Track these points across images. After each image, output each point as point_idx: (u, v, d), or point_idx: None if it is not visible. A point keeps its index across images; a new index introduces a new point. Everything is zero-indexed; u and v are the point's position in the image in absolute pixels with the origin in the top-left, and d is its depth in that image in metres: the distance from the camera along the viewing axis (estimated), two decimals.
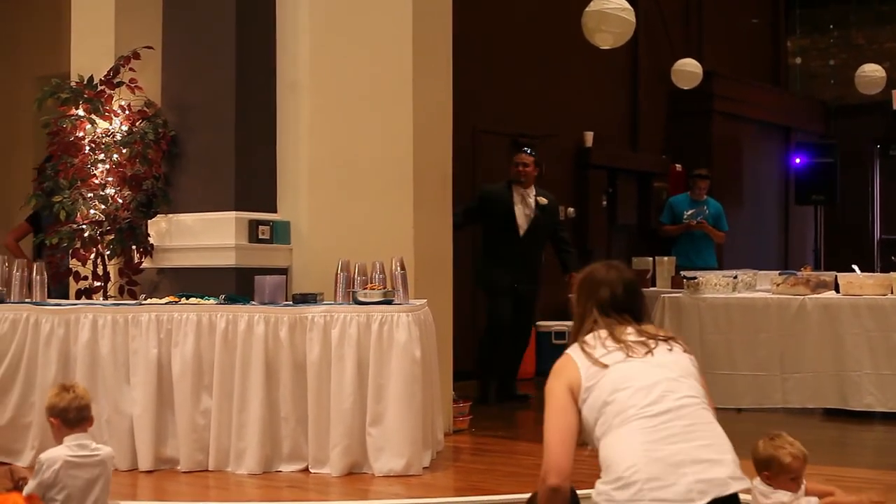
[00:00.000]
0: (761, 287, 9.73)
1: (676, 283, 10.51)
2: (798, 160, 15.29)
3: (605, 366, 3.70)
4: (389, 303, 6.71)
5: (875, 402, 8.69)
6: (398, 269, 6.92)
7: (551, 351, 11.63)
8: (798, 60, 17.34)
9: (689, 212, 12.10)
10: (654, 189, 14.01)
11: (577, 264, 9.07)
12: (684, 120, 14.50)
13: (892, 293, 8.91)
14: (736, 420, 8.69)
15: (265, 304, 6.83)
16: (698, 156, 13.73)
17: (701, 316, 9.26)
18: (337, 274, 6.99)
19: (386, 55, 7.80)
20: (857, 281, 9.11)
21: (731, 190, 14.55)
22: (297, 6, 7.94)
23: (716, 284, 9.47)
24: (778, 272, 9.77)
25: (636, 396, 3.59)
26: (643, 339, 3.80)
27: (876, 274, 9.47)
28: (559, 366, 3.80)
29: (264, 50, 7.95)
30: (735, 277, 9.67)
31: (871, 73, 14.42)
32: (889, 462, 7.12)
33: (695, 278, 9.52)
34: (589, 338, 3.82)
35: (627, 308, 3.94)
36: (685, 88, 13.23)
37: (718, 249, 12.43)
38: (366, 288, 6.80)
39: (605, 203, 13.36)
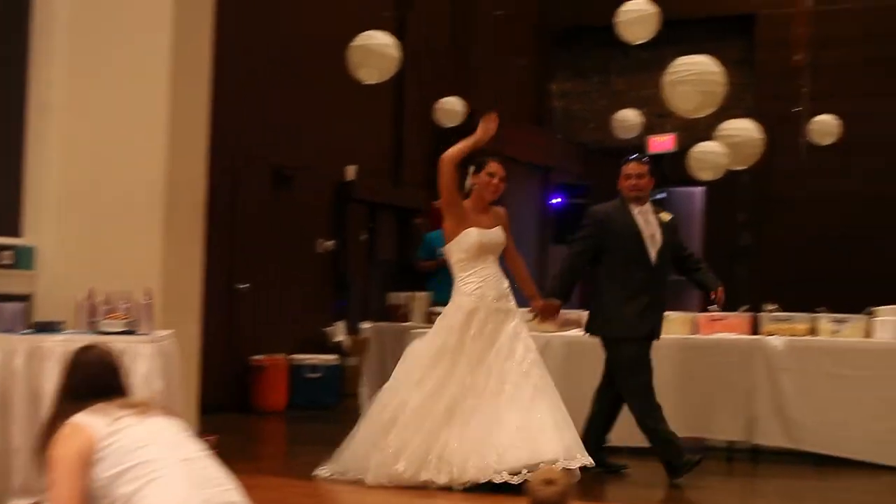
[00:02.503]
0: None
1: (430, 318, 10.61)
2: (556, 200, 15.69)
3: (118, 430, 3.79)
4: (132, 333, 6.59)
5: (615, 438, 8.92)
6: (144, 298, 6.80)
7: (306, 385, 11.63)
8: (560, 103, 17.83)
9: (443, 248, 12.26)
10: (414, 225, 14.16)
11: (717, 279, 8.07)
12: None
13: None
14: None
15: (2, 332, 6.61)
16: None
17: None
18: (81, 302, 6.83)
19: (142, 82, 7.68)
20: None
21: None
22: (53, 28, 7.74)
23: None
24: (528, 309, 9.97)
25: (164, 450, 3.77)
26: (134, 408, 3.92)
27: None
28: (67, 433, 3.83)
29: (16, 70, 7.72)
30: None
31: (628, 118, 14.94)
32: (619, 497, 7.31)
33: None
34: (82, 414, 3.87)
35: (108, 387, 4.04)
36: (449, 126, 13.41)
37: None
38: (109, 317, 6.67)
39: (364, 237, 13.42)
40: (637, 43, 10.48)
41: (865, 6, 15.07)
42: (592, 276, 7.95)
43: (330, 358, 11.98)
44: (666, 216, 7.84)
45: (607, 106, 16.56)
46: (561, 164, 16.94)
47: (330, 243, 12.79)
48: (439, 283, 12.12)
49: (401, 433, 6.90)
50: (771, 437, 8.59)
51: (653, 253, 7.64)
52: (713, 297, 7.93)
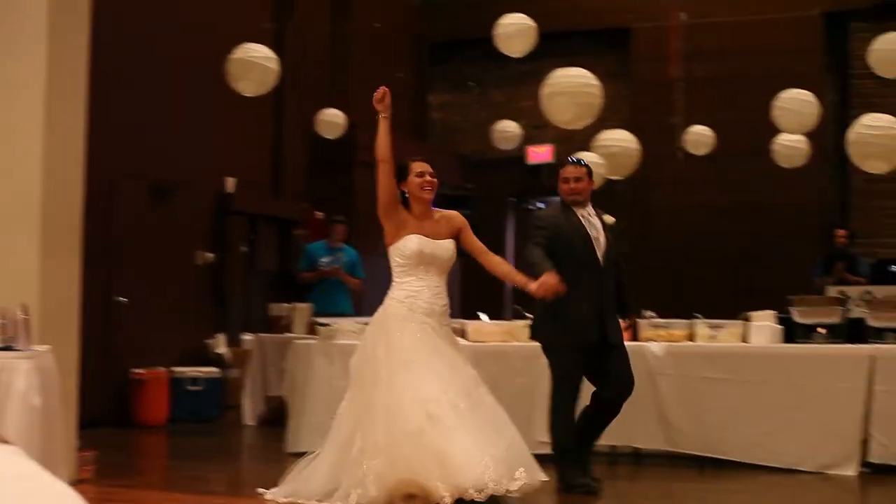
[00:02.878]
0: None
1: (312, 329, 10.62)
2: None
3: None
4: (9, 349, 6.49)
5: None
6: (21, 314, 6.69)
7: (187, 398, 11.52)
8: (439, 115, 17.94)
9: (326, 259, 12.27)
10: (294, 236, 14.12)
11: (635, 305, 7.96)
12: (328, 169, 14.69)
13: (516, 341, 9.32)
14: None
15: None
16: (340, 204, 13.92)
17: (332, 362, 9.36)
18: None
19: (17, 94, 7.57)
20: (484, 328, 9.49)
21: (370, 238, 14.81)
22: None
23: (349, 331, 9.61)
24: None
25: None
26: None
27: (501, 322, 9.88)
28: None
29: None
30: (368, 324, 9.83)
31: (508, 129, 15.09)
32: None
33: (329, 325, 9.63)
34: None
35: None
36: (329, 138, 13.40)
37: (355, 296, 12.64)
38: None
39: (245, 249, 13.35)
40: (515, 56, 10.60)
41: (736, 21, 15.44)
42: None
43: (211, 370, 11.88)
44: (610, 219, 7.64)
45: (486, 117, 16.67)
46: (441, 175, 16.92)
47: (210, 255, 12.70)
48: (321, 294, 12.17)
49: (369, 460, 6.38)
50: (651, 440, 8.74)
51: (600, 255, 7.44)
52: (624, 324, 7.66)
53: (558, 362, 7.46)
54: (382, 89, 7.26)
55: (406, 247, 6.97)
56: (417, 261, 6.97)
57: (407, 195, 7.14)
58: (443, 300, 7.05)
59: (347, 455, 6.49)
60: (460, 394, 6.51)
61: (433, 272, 7.05)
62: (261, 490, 6.94)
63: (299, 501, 6.64)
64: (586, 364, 7.37)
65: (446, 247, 7.16)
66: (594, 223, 7.51)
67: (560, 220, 7.52)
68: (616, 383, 7.40)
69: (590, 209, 7.58)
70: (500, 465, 6.19)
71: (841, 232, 13.19)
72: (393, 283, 7.08)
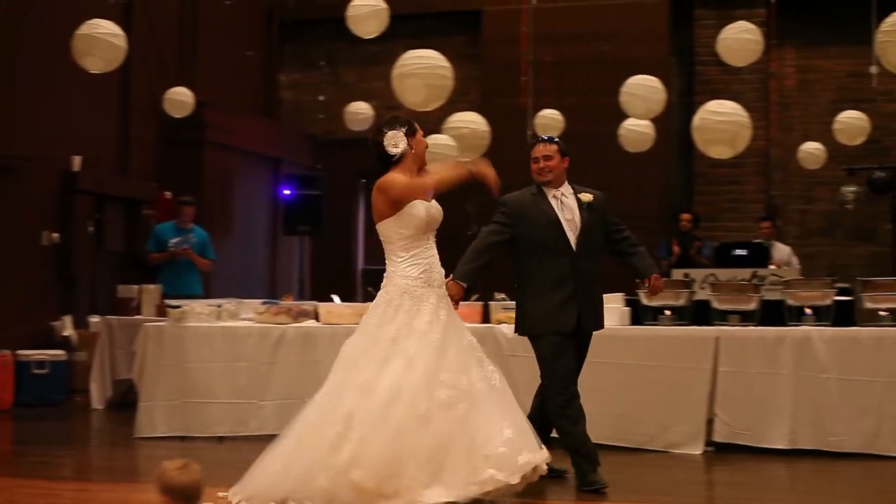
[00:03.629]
0: (245, 316, 9.90)
1: (162, 311, 10.48)
2: (287, 191, 15.66)
3: None
4: None
5: None
6: None
7: (32, 382, 11.29)
8: (289, 94, 17.81)
9: (175, 239, 12.14)
10: (143, 216, 13.90)
11: (654, 264, 7.58)
12: (176, 148, 14.49)
13: None
14: (218, 448, 8.82)
15: None
16: (189, 184, 13.76)
17: (184, 344, 9.27)
18: None
19: None
20: (336, 310, 9.50)
21: (220, 219, 14.71)
22: None
23: (200, 313, 9.53)
24: (261, 301, 9.99)
25: None
26: None
27: (353, 303, 9.90)
28: None
29: None
30: (219, 306, 9.79)
31: (359, 109, 15.06)
32: None
33: (179, 307, 9.53)
34: None
35: None
36: (177, 117, 13.20)
37: (205, 278, 12.52)
38: None
39: (91, 229, 13.08)
40: (368, 37, 10.59)
41: (585, 5, 15.62)
42: (515, 272, 7.31)
43: (57, 353, 11.64)
44: (587, 197, 7.18)
45: (337, 98, 16.63)
46: (291, 155, 16.91)
47: (55, 235, 12.42)
48: (170, 276, 12.03)
49: (358, 444, 6.01)
50: None
51: (573, 239, 7.05)
52: (646, 283, 7.31)
53: (538, 352, 7.11)
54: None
55: (413, 214, 6.49)
56: (425, 227, 6.54)
57: (404, 151, 6.60)
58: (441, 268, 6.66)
59: (329, 447, 6.05)
60: (477, 376, 6.36)
61: (433, 238, 6.66)
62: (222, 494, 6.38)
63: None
64: (572, 350, 7.00)
65: (438, 206, 6.70)
66: (569, 204, 7.14)
67: (526, 203, 7.20)
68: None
69: (566, 189, 7.22)
70: (514, 447, 6.14)
71: (685, 216, 13.50)
72: (395, 261, 6.54)
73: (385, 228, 6.55)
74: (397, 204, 6.46)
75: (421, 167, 6.69)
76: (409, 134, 6.61)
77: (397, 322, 6.35)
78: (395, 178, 6.52)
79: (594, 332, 7.25)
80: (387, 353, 6.26)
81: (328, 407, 6.22)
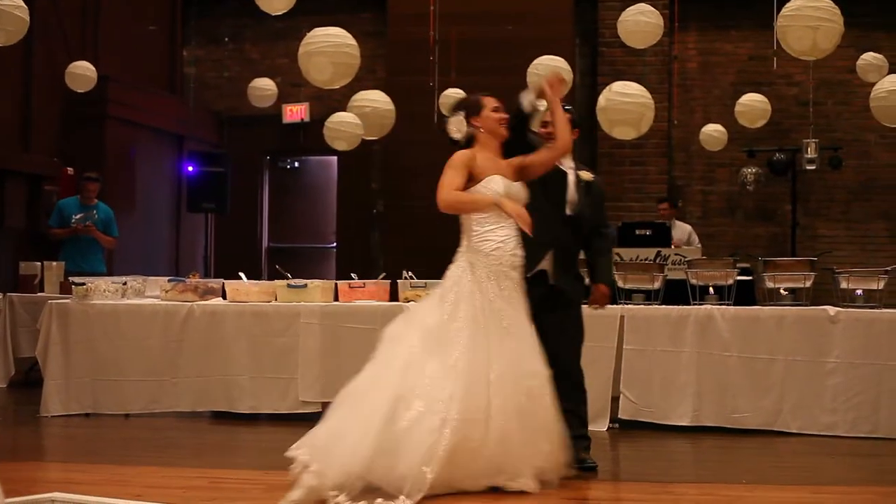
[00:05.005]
0: (151, 293, 9.84)
1: (65, 288, 10.37)
2: (191, 168, 15.53)
3: None
4: None
5: (260, 405, 9.09)
6: None
7: None
8: (193, 70, 17.63)
9: (78, 216, 12.00)
10: (44, 192, 13.70)
11: (611, 275, 7.52)
12: (79, 123, 14.29)
13: (275, 300, 9.34)
14: (125, 426, 8.78)
15: None
16: (92, 160, 13.59)
17: (90, 323, 9.20)
18: None
19: None
20: (242, 288, 9.47)
21: (123, 195, 14.54)
22: None
23: (105, 291, 9.44)
24: (167, 279, 9.92)
25: None
26: None
27: (261, 282, 9.87)
28: None
29: None
30: (125, 284, 9.70)
31: (264, 87, 15.00)
32: (272, 462, 7.43)
33: (83, 284, 9.43)
34: None
35: None
36: (80, 91, 13.03)
37: (108, 255, 12.39)
38: None
39: None
40: (275, 14, 10.54)
41: None
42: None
43: None
44: (587, 175, 7.09)
45: (241, 74, 16.53)
46: (195, 131, 16.76)
47: None
48: (73, 252, 11.89)
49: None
50: None
51: (569, 207, 6.91)
52: (594, 290, 7.15)
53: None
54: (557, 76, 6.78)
55: (490, 189, 6.36)
56: None
57: (473, 132, 6.54)
58: (521, 251, 6.43)
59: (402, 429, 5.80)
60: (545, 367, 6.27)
61: (510, 219, 6.39)
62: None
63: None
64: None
65: (521, 189, 6.51)
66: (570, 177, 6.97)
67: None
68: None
69: (570, 161, 7.06)
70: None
71: None
72: (471, 237, 6.43)
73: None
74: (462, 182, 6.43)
75: (497, 141, 6.55)
76: (473, 114, 6.55)
77: (473, 302, 6.28)
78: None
79: None
80: (459, 337, 6.13)
81: (386, 386, 6.03)
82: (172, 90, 17.13)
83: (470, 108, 6.58)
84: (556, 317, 6.69)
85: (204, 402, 9.20)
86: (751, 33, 15.44)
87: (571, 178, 6.95)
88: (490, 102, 6.59)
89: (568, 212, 6.91)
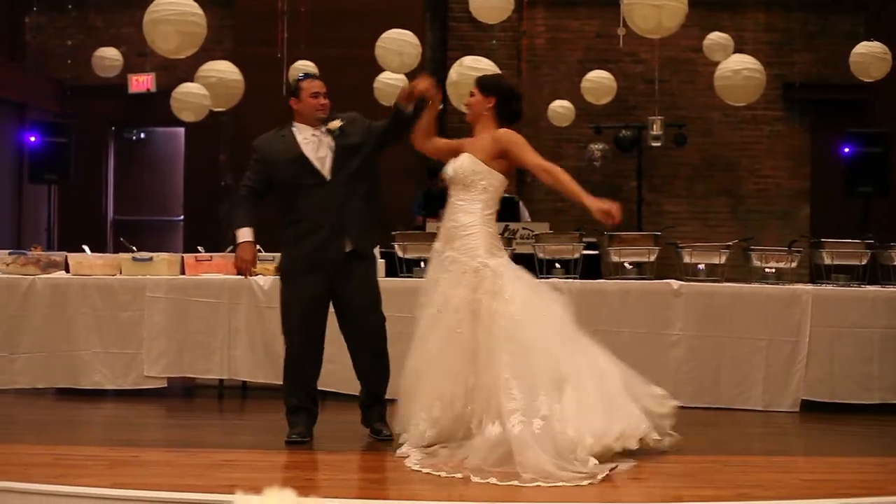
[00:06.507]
0: None
1: None
2: (32, 139, 15.13)
3: None
4: None
5: (104, 380, 8.94)
6: None
7: None
8: (35, 37, 17.17)
9: None
10: None
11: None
12: None
13: (120, 273, 9.19)
14: None
15: None
16: None
17: None
18: None
19: None
20: (86, 261, 9.30)
21: None
22: None
23: None
24: (8, 252, 9.68)
25: None
26: None
27: (106, 255, 9.70)
28: None
29: None
30: None
31: (109, 56, 14.67)
32: (116, 437, 7.33)
33: None
34: None
35: None
36: None
37: None
38: None
39: None
40: None
41: None
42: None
43: None
44: (335, 124, 7.06)
45: (85, 42, 16.16)
46: (37, 101, 16.35)
47: None
48: None
49: None
50: (255, 373, 8.90)
51: (325, 169, 6.97)
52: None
53: (284, 291, 7.06)
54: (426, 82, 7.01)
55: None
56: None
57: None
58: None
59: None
60: None
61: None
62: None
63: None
64: (324, 289, 6.91)
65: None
66: (319, 137, 7.03)
67: (275, 144, 7.11)
68: (359, 294, 6.97)
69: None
70: None
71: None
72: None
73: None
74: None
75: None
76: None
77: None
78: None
79: None
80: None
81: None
82: (13, 58, 16.66)
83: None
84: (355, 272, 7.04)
85: (46, 378, 9.04)
86: (598, 10, 15.63)
87: (314, 145, 7.04)
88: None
89: (329, 176, 6.99)
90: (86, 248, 9.47)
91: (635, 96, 15.72)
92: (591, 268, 9.51)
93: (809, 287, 8.87)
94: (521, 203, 12.96)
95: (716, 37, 13.01)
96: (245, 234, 7.01)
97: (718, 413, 8.43)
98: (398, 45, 11.53)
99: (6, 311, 9.00)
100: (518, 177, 13.99)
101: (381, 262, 9.11)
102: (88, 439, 7.27)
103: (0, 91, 15.49)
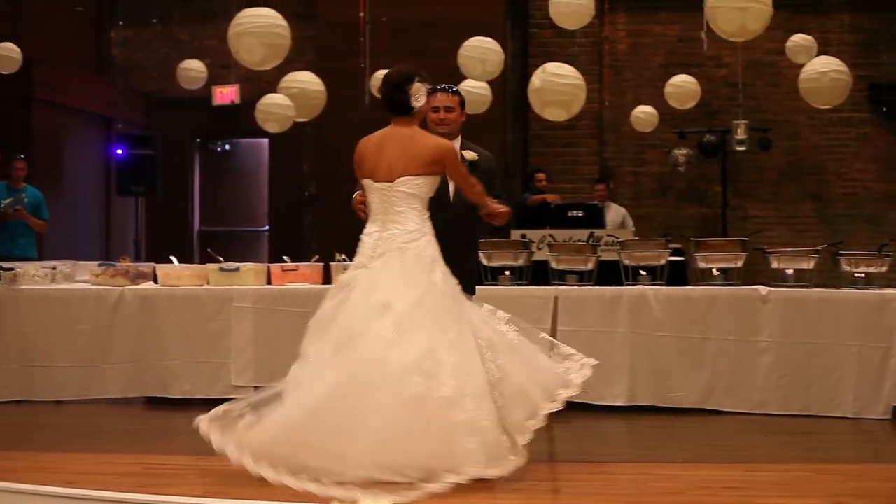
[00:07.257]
0: (81, 278, 9.72)
1: None
2: (119, 151, 15.35)
3: None
4: None
5: (193, 390, 9.00)
6: None
7: None
8: (121, 51, 17.42)
9: (7, 200, 11.80)
10: None
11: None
12: (4, 106, 14.05)
13: (207, 284, 9.27)
14: (56, 413, 8.67)
15: None
16: (18, 143, 13.36)
17: (19, 308, 9.07)
18: None
19: None
20: (174, 272, 9.38)
21: (52, 178, 14.33)
22: None
23: (34, 276, 9.32)
24: (98, 263, 9.80)
25: None
26: None
27: (192, 265, 9.79)
28: None
29: None
30: (54, 268, 9.58)
31: (193, 68, 14.82)
32: (206, 447, 7.37)
33: (12, 269, 9.30)
34: None
35: None
36: (4, 73, 12.80)
37: (39, 239, 12.21)
38: None
39: None
40: None
41: None
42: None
43: None
44: (471, 155, 6.99)
45: (170, 55, 16.34)
46: (123, 114, 16.58)
47: None
48: (2, 237, 11.69)
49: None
50: None
51: (451, 191, 6.88)
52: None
53: None
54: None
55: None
56: None
57: (419, 112, 6.45)
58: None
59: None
60: None
61: None
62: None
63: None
64: None
65: None
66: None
67: None
68: None
69: (457, 143, 7.03)
70: None
71: (540, 175, 13.85)
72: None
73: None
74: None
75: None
76: (431, 93, 6.58)
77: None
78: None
79: None
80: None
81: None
82: (100, 72, 16.92)
83: (432, 89, 6.65)
84: None
85: (136, 387, 9.11)
86: (680, 14, 15.52)
87: None
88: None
89: (451, 199, 6.91)
90: (173, 258, 9.56)
91: (719, 100, 15.57)
92: (677, 274, 9.42)
93: None
94: (611, 206, 12.90)
95: (798, 39, 12.84)
96: None
97: (809, 421, 8.31)
98: (480, 52, 11.53)
99: (96, 322, 9.10)
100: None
101: None
102: (178, 449, 7.30)
103: (87, 105, 15.72)
